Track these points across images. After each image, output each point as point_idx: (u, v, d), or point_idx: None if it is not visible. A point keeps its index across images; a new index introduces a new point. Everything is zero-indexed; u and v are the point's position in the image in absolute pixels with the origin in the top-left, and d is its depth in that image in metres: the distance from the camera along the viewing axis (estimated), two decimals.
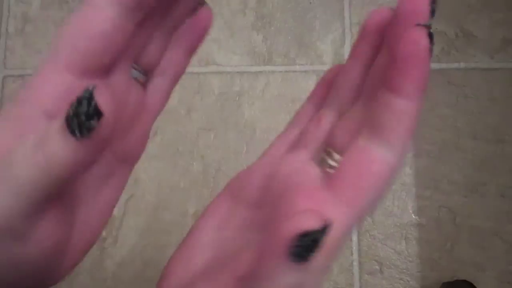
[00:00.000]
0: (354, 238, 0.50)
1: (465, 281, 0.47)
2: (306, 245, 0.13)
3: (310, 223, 0.13)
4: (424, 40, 0.14)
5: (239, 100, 0.53)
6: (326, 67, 0.54)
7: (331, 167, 0.16)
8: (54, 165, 0.14)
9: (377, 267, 0.50)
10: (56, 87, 0.16)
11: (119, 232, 0.51)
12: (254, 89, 0.54)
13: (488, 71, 0.53)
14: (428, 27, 0.14)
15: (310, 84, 0.54)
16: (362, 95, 0.17)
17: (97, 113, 0.14)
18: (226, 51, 0.55)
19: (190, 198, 0.51)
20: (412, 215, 0.51)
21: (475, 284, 0.46)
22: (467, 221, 0.50)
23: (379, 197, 0.15)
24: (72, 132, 0.14)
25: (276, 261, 0.13)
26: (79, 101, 0.14)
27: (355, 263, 0.50)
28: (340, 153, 0.17)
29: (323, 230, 0.13)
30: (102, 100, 0.14)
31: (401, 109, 0.14)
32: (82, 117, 0.14)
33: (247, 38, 0.55)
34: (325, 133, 0.18)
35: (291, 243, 0.13)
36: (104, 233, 0.51)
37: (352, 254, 0.50)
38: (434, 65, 0.53)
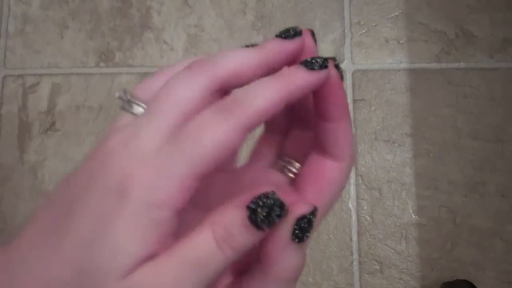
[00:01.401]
0: (354, 238, 0.50)
1: (465, 281, 0.47)
2: (304, 228, 0.17)
3: (305, 208, 0.18)
4: (334, 73, 0.19)
5: None
6: None
7: (292, 172, 0.21)
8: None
9: (377, 267, 0.50)
10: None
11: None
12: None
13: (488, 71, 0.53)
14: (332, 59, 0.19)
15: None
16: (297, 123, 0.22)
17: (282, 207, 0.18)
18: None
19: None
20: (412, 215, 0.51)
21: (475, 284, 0.46)
22: (467, 221, 0.50)
23: (335, 197, 0.20)
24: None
25: (284, 245, 0.18)
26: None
27: (355, 263, 0.50)
28: (297, 162, 0.21)
29: (313, 213, 0.18)
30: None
31: (336, 129, 0.19)
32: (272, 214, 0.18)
33: (247, 38, 0.55)
34: (277, 149, 0.22)
35: (294, 226, 0.17)
36: None
37: (352, 254, 0.50)
38: (434, 65, 0.53)
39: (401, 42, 0.54)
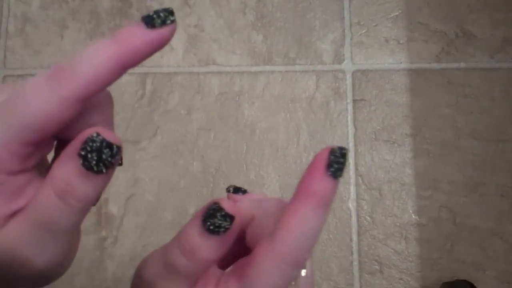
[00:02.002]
0: (354, 238, 0.50)
1: (465, 281, 0.47)
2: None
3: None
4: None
5: (239, 100, 0.53)
6: (326, 67, 0.54)
7: None
8: None
9: (377, 267, 0.50)
10: None
11: (119, 232, 0.51)
12: (254, 89, 0.54)
13: (488, 71, 0.53)
14: (342, 150, 0.19)
15: (310, 84, 0.54)
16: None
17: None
18: (226, 51, 0.55)
19: (190, 198, 0.51)
20: (412, 215, 0.51)
21: (475, 284, 0.46)
22: (467, 221, 0.50)
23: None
24: None
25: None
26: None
27: (355, 263, 0.50)
28: None
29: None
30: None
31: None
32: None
33: (247, 38, 0.55)
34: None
35: None
36: (104, 233, 0.51)
37: (352, 254, 0.50)
38: (434, 65, 0.53)
39: (401, 42, 0.54)
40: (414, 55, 0.54)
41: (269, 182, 0.51)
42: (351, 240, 0.50)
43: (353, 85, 0.53)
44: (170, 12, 0.19)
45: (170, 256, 0.21)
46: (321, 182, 0.18)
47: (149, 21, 0.18)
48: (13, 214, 0.18)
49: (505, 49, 0.53)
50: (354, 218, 0.51)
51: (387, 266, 0.50)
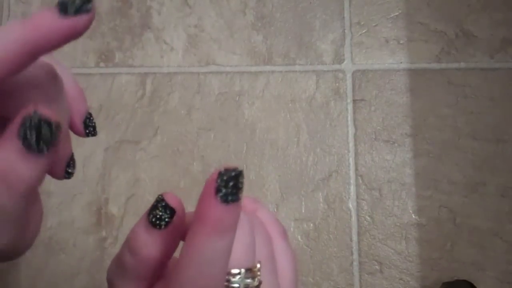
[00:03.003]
0: (354, 238, 0.50)
1: (465, 281, 0.47)
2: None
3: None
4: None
5: (239, 100, 0.53)
6: (326, 67, 0.54)
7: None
8: None
9: (377, 267, 0.50)
10: None
11: (119, 232, 0.51)
12: (254, 89, 0.54)
13: (488, 71, 0.53)
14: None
15: (310, 84, 0.54)
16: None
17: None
18: (226, 51, 0.55)
19: (190, 198, 0.51)
20: (412, 215, 0.51)
21: (475, 284, 0.46)
22: (467, 221, 0.50)
23: None
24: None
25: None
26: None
27: (355, 263, 0.50)
28: None
29: None
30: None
31: None
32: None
33: (247, 38, 0.55)
34: None
35: None
36: (104, 233, 0.51)
37: (352, 254, 0.50)
38: (434, 65, 0.53)
39: (401, 42, 0.54)
40: (414, 55, 0.54)
41: (269, 182, 0.51)
42: (351, 240, 0.50)
43: (353, 85, 0.53)
44: (86, 0, 0.17)
45: (121, 254, 0.22)
46: (211, 208, 0.17)
47: (63, 7, 0.17)
48: None
49: (505, 49, 0.53)
50: (354, 218, 0.51)
51: (387, 266, 0.50)
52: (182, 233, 0.21)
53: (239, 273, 0.19)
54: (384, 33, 0.55)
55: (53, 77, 0.20)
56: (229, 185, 0.17)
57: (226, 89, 0.54)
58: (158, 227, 0.20)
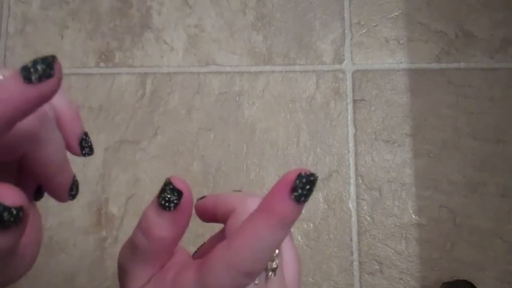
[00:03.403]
0: (354, 238, 0.50)
1: (465, 281, 0.47)
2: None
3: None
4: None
5: (239, 100, 0.53)
6: (326, 67, 0.54)
7: None
8: None
9: (377, 267, 0.50)
10: None
11: (119, 232, 0.51)
12: (254, 89, 0.54)
13: (488, 71, 0.53)
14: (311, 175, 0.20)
15: (310, 84, 0.54)
16: None
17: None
18: (226, 51, 0.55)
19: None
20: (412, 215, 0.51)
21: (475, 284, 0.46)
22: (467, 221, 0.50)
23: None
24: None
25: None
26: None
27: (355, 263, 0.50)
28: None
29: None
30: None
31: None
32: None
33: (247, 38, 0.55)
34: None
35: None
36: (104, 233, 0.51)
37: (352, 254, 0.50)
38: (434, 65, 0.53)
39: (401, 42, 0.54)
40: (414, 55, 0.54)
41: (269, 182, 0.51)
42: (351, 240, 0.50)
43: (353, 85, 0.53)
44: (49, 65, 0.17)
45: (133, 236, 0.23)
46: (283, 203, 0.18)
47: (26, 75, 0.16)
48: None
49: (505, 49, 0.53)
50: (354, 218, 0.51)
51: (387, 266, 0.50)
52: (190, 214, 0.22)
53: None
54: (384, 33, 0.55)
55: (42, 121, 0.20)
56: (305, 188, 0.19)
57: (226, 89, 0.54)
58: (167, 209, 0.21)
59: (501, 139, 0.52)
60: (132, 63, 0.55)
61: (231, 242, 0.19)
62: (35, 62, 0.16)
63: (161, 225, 0.22)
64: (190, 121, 0.53)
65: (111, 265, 0.50)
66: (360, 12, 0.55)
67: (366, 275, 0.50)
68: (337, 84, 0.54)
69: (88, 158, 0.52)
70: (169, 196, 0.21)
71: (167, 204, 0.21)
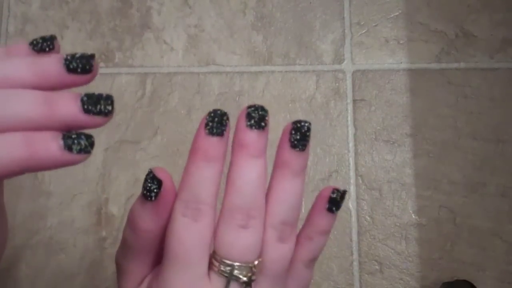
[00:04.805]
0: (354, 238, 0.50)
1: (465, 281, 0.47)
2: None
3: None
4: None
5: (239, 100, 0.53)
6: (326, 67, 0.54)
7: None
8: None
9: (377, 267, 0.50)
10: None
11: (119, 232, 0.51)
12: (254, 89, 0.54)
13: (488, 71, 0.53)
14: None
15: (310, 84, 0.54)
16: None
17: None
18: (226, 51, 0.55)
19: None
20: (412, 215, 0.51)
21: (475, 284, 0.46)
22: (467, 221, 0.50)
23: None
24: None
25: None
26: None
27: (355, 263, 0.50)
28: None
29: None
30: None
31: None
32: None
33: (247, 38, 0.55)
34: None
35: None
36: (104, 233, 0.51)
37: (352, 254, 0.50)
38: (434, 65, 0.53)
39: (401, 42, 0.54)
40: (414, 55, 0.54)
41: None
42: (351, 240, 0.50)
43: (353, 85, 0.53)
44: (91, 144, 0.19)
45: (123, 232, 0.24)
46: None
47: (68, 143, 0.18)
48: None
49: (505, 49, 0.53)
50: (354, 218, 0.51)
51: (387, 266, 0.50)
52: (172, 204, 0.23)
53: (233, 265, 0.22)
54: (384, 33, 0.55)
55: None
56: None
57: (226, 89, 0.54)
58: (149, 198, 0.22)
59: (501, 139, 0.52)
60: (132, 63, 0.55)
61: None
62: (79, 136, 0.19)
63: (145, 216, 0.22)
64: (190, 121, 0.53)
65: (111, 265, 0.50)
66: (360, 12, 0.55)
67: (366, 275, 0.50)
68: (337, 84, 0.54)
69: (87, 158, 0.52)
70: (149, 185, 0.22)
71: (148, 193, 0.22)
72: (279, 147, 0.24)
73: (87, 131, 0.19)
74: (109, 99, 0.19)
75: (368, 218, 0.51)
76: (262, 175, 0.23)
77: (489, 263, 0.49)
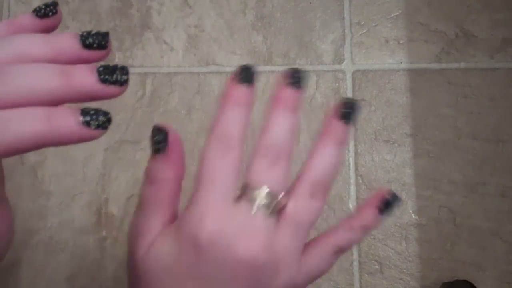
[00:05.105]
0: None
1: (465, 281, 0.47)
2: None
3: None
4: None
5: None
6: (326, 67, 0.54)
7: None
8: None
9: (377, 267, 0.50)
10: None
11: (119, 232, 0.51)
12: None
13: (488, 71, 0.53)
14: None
15: (310, 84, 0.54)
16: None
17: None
18: (226, 51, 0.55)
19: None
20: (412, 215, 0.51)
21: (475, 284, 0.46)
22: (467, 221, 0.50)
23: None
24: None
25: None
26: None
27: (355, 263, 0.50)
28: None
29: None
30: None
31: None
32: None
33: (247, 38, 0.55)
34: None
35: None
36: (104, 233, 0.51)
37: (352, 254, 0.50)
38: (434, 65, 0.53)
39: (401, 42, 0.54)
40: (414, 55, 0.54)
41: None
42: None
43: (353, 85, 0.53)
44: (109, 120, 0.21)
45: (141, 192, 0.25)
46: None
47: (87, 119, 0.19)
48: None
49: (505, 49, 0.53)
50: None
51: (387, 266, 0.50)
52: (182, 151, 0.25)
53: (261, 192, 0.24)
54: (384, 33, 0.55)
55: None
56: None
57: None
58: (160, 151, 0.24)
59: (501, 139, 0.52)
60: (132, 63, 0.55)
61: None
62: (97, 112, 0.20)
63: (160, 168, 0.24)
64: (190, 121, 0.53)
65: (111, 265, 0.50)
66: (360, 12, 0.55)
67: (366, 275, 0.50)
68: (337, 84, 0.54)
69: (88, 158, 0.52)
70: (156, 137, 0.24)
71: (157, 146, 0.24)
72: (328, 117, 0.26)
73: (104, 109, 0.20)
74: (124, 69, 0.20)
75: None
76: (293, 127, 0.25)
77: (489, 263, 0.49)
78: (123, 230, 0.51)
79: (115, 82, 0.20)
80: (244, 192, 0.24)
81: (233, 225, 0.23)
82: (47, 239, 0.51)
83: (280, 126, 0.25)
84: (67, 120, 0.19)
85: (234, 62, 0.54)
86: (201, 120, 0.53)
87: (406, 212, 0.51)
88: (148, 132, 0.53)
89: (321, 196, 0.26)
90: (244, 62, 0.54)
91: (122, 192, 0.52)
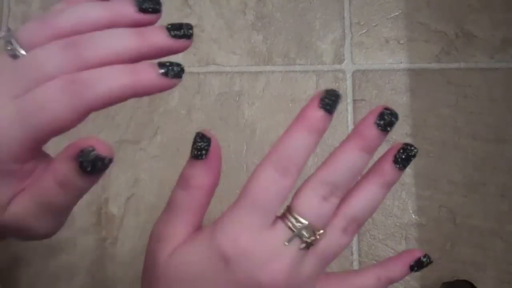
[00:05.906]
0: (354, 238, 0.50)
1: (465, 281, 0.47)
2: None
3: None
4: None
5: (239, 100, 0.53)
6: (326, 67, 0.54)
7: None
8: None
9: None
10: None
11: (119, 232, 0.51)
12: (254, 89, 0.54)
13: (488, 71, 0.53)
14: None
15: (310, 84, 0.54)
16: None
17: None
18: (226, 51, 0.55)
19: None
20: (412, 215, 0.51)
21: (475, 284, 0.46)
22: (467, 221, 0.50)
23: None
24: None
25: None
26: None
27: (355, 263, 0.50)
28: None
29: None
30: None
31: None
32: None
33: (247, 38, 0.55)
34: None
35: None
36: (104, 233, 0.51)
37: (352, 254, 0.50)
38: (434, 65, 0.53)
39: (401, 42, 0.54)
40: (414, 55, 0.54)
41: None
42: None
43: (353, 85, 0.53)
44: (183, 69, 0.23)
45: (172, 195, 0.26)
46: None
47: (164, 70, 0.22)
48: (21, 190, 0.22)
49: (505, 49, 0.53)
50: None
51: None
52: (220, 160, 0.25)
53: (303, 224, 0.23)
54: (384, 33, 0.55)
55: None
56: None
57: (226, 89, 0.54)
58: (200, 157, 0.24)
59: (501, 139, 0.52)
60: None
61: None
62: (171, 65, 0.23)
63: (197, 174, 0.24)
64: (190, 121, 0.53)
65: (111, 265, 0.50)
66: (360, 12, 0.55)
67: None
68: (337, 84, 0.54)
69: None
70: (200, 143, 0.24)
71: (199, 152, 0.24)
72: (383, 156, 0.27)
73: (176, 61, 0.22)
74: (188, 25, 0.23)
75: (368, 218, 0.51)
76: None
77: (489, 263, 0.49)
78: (123, 230, 0.51)
79: (183, 36, 0.23)
80: (286, 216, 0.24)
81: (264, 248, 0.23)
82: (47, 239, 0.51)
83: (348, 162, 0.25)
84: (148, 72, 0.21)
85: (234, 62, 0.54)
86: (201, 120, 0.53)
87: (406, 212, 0.51)
88: (148, 132, 0.53)
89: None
90: (244, 62, 0.55)
91: (122, 192, 0.52)
